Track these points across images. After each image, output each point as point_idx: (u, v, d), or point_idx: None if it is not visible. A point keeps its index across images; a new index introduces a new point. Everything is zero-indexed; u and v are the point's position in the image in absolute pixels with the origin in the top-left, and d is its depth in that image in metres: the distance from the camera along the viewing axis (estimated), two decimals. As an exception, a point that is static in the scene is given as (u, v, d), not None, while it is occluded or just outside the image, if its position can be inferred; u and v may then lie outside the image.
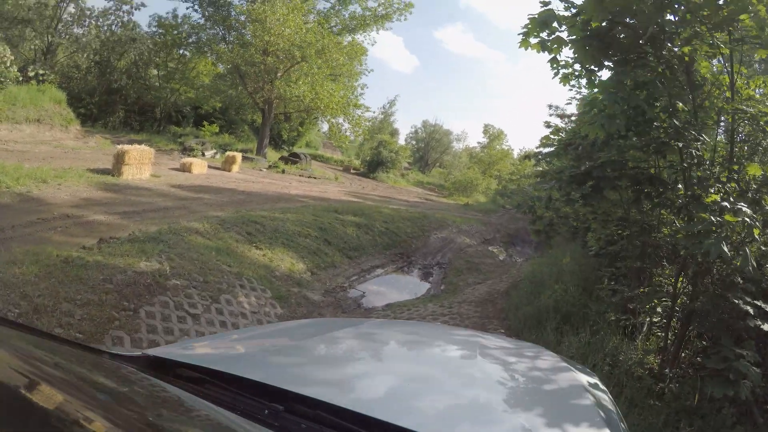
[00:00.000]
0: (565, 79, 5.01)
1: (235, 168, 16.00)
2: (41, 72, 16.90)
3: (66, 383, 0.77)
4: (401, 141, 42.69)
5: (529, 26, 3.79)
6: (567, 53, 4.15)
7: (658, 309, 5.63)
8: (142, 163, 10.87)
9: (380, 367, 1.33)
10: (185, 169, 13.30)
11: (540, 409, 1.13)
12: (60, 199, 8.22)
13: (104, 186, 9.59)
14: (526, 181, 23.38)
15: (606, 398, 1.30)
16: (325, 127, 28.12)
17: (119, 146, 10.74)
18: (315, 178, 20.56)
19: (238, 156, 16.41)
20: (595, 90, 4.63)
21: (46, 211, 7.47)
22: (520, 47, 4.62)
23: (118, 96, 20.56)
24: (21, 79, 15.52)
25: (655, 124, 3.85)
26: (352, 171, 30.11)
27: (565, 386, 1.32)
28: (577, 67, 4.97)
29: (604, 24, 3.75)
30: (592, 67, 4.70)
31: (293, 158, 22.32)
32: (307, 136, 33.23)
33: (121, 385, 0.92)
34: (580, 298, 6.42)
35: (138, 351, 1.13)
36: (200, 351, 1.34)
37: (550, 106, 11.80)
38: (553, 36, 3.75)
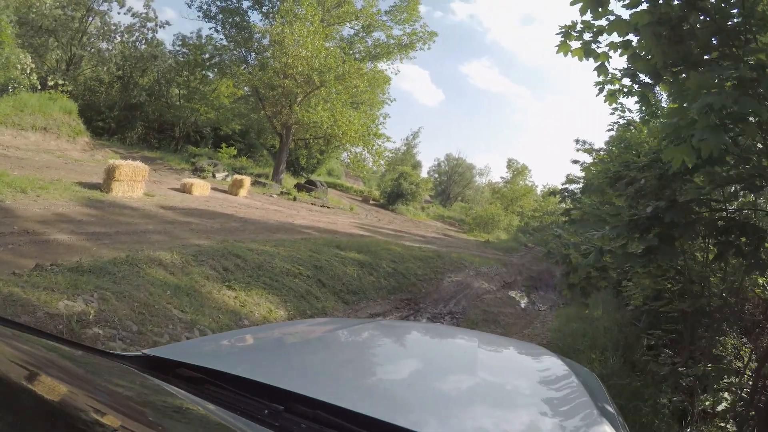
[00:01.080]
0: (612, 97, 4.20)
1: (243, 192, 15.15)
2: (60, 82, 16.77)
3: (65, 383, 0.73)
4: (424, 173, 42.06)
5: (580, 8, 2.68)
6: (615, 63, 3.08)
7: (726, 395, 4.50)
8: (135, 180, 10.11)
9: (380, 367, 1.30)
10: (185, 189, 12.50)
11: (540, 408, 1.12)
12: (30, 212, 7.38)
13: (87, 201, 8.77)
14: (549, 218, 22.07)
15: (605, 398, 1.29)
16: (346, 155, 27.50)
17: (111, 161, 9.99)
18: (328, 207, 19.61)
19: (247, 180, 15.57)
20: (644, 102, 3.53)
21: (8, 224, 6.61)
22: (557, 53, 3.88)
23: (138, 112, 20.44)
24: (39, 87, 15.36)
25: (759, 146, 2.64)
26: (371, 202, 29.35)
27: (565, 385, 1.29)
28: (625, 82, 4.19)
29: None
30: (647, 79, 3.75)
31: (309, 186, 21.48)
32: (328, 164, 32.72)
33: (121, 385, 0.90)
34: (626, 375, 5.14)
35: (138, 351, 1.12)
36: (200, 351, 1.27)
37: (577, 141, 10.79)
38: (612, 19, 2.63)
